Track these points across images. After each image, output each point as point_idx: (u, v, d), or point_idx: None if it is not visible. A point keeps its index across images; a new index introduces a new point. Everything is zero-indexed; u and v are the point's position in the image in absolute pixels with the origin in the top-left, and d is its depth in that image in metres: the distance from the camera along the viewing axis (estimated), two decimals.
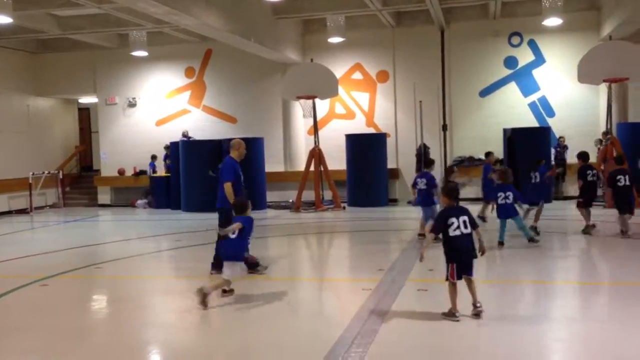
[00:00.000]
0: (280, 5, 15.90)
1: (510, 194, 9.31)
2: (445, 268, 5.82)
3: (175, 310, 6.61)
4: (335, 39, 16.97)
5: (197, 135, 18.71)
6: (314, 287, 7.80)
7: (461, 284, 5.78)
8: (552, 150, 16.15)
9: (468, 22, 17.31)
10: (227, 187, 7.85)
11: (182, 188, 16.99)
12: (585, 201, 10.48)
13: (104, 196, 19.59)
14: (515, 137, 15.92)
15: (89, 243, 11.62)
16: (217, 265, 7.73)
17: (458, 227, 5.76)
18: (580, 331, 5.61)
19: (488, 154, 13.16)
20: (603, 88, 15.17)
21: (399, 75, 17.95)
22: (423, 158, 15.02)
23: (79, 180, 21.20)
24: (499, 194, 9.40)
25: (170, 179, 17.72)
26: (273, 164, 18.11)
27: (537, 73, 17.09)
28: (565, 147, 16.32)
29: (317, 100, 16.53)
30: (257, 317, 6.19)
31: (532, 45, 17.08)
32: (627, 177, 9.98)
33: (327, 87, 16.23)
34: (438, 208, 9.76)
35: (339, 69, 17.89)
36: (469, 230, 5.80)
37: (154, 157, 19.06)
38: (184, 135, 18.58)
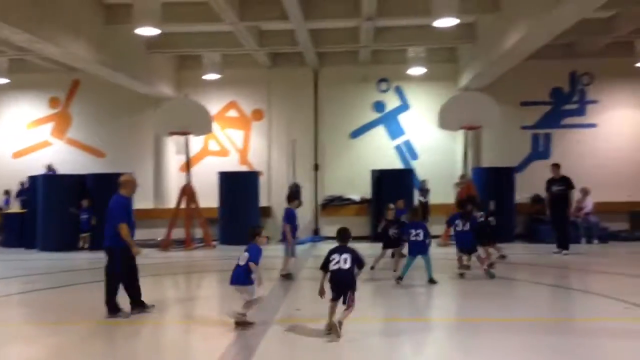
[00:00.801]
0: (154, 40, 15.66)
1: (420, 232, 9.58)
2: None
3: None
4: (210, 76, 16.98)
5: (60, 169, 17.73)
6: (180, 330, 7.58)
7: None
8: (416, 192, 17.07)
9: (340, 66, 18.07)
10: (123, 228, 7.65)
11: (39, 225, 15.88)
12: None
13: None
14: (382, 178, 16.68)
15: None
16: (112, 310, 7.64)
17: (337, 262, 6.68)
18: None
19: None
20: (460, 135, 16.37)
21: (273, 114, 18.25)
22: (287, 194, 15.30)
23: None
24: (410, 231, 9.66)
25: (25, 215, 16.52)
26: (142, 201, 17.46)
27: (402, 118, 18.12)
28: (427, 190, 17.30)
29: (190, 137, 16.34)
30: None
31: (399, 91, 18.13)
32: (466, 222, 10.23)
33: (201, 123, 16.11)
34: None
35: (214, 106, 17.87)
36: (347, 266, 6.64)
37: (6, 193, 17.77)
38: (49, 168, 17.52)
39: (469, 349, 6.36)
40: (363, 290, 9.61)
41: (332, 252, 6.81)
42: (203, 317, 7.91)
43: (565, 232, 13.40)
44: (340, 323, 6.47)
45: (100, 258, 13.94)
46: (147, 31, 12.13)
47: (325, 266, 6.74)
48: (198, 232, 16.30)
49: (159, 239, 16.55)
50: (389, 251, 11.10)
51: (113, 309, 7.71)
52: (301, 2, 12.71)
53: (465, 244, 10.20)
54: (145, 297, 8.16)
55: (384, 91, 18.22)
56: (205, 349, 6.58)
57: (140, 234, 16.57)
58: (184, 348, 6.84)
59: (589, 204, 15.72)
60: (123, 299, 7.94)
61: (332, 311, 6.61)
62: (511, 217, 16.03)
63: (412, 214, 10.39)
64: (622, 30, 14.61)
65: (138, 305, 7.92)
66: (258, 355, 5.98)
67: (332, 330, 6.49)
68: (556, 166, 13.76)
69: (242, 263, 7.31)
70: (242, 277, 7.19)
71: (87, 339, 6.88)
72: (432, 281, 9.58)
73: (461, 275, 10.24)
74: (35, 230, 15.92)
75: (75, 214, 15.70)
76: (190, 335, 7.41)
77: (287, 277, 10.38)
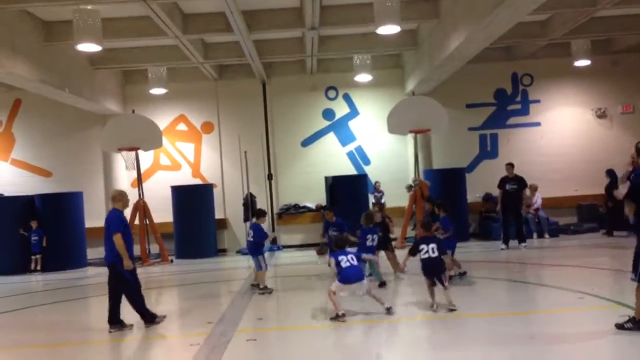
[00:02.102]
0: (97, 56, 15.38)
1: (375, 236, 9.90)
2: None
3: None
4: (157, 90, 16.80)
5: (6, 191, 17.19)
6: (140, 346, 7.48)
7: None
8: (370, 196, 17.28)
9: (288, 76, 18.13)
10: (118, 238, 7.77)
11: None
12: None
13: None
14: (336, 184, 16.81)
15: None
16: (114, 321, 7.80)
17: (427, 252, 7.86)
18: None
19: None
20: (410, 138, 16.67)
21: (223, 126, 18.17)
22: (251, 209, 15.25)
23: None
24: (367, 237, 9.83)
25: None
26: (94, 219, 17.09)
27: (352, 124, 18.32)
28: (381, 192, 17.56)
29: (140, 152, 16.12)
30: None
31: (347, 98, 18.33)
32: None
33: (151, 138, 15.88)
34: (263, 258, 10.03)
35: (163, 120, 17.68)
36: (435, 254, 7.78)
37: None
38: None
39: (439, 344, 6.51)
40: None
41: (419, 242, 7.98)
42: (165, 333, 7.81)
43: (520, 227, 14.20)
44: (450, 302, 7.69)
45: (53, 280, 13.71)
46: (89, 47, 11.89)
47: (414, 252, 7.96)
48: (154, 248, 16.05)
49: None
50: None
51: (150, 317, 8.01)
52: (244, 15, 12.74)
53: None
54: (104, 315, 8.03)
55: (333, 99, 18.39)
56: None
57: (94, 253, 16.49)
58: None
59: (537, 200, 16.27)
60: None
61: (432, 294, 7.85)
62: (464, 216, 16.41)
63: (367, 218, 10.10)
64: (558, 32, 15.19)
65: (115, 322, 7.88)
66: None
67: (437, 308, 7.69)
68: (510, 165, 14.48)
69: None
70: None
71: None
72: (382, 284, 9.82)
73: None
74: None
75: (25, 236, 15.27)
76: (153, 351, 7.33)
77: (265, 289, 9.99)
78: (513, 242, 14.05)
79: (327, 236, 11.19)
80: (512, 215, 14.17)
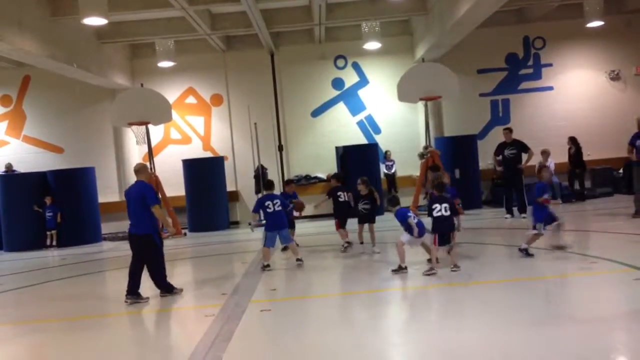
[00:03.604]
0: (104, 30, 15.32)
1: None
2: None
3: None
4: (165, 64, 16.72)
5: (19, 167, 17.33)
6: (156, 318, 7.57)
7: None
8: (381, 165, 17.23)
9: (296, 46, 17.96)
10: (157, 209, 7.97)
11: (3, 226, 15.56)
12: (340, 221, 10.87)
13: None
14: (347, 154, 16.76)
15: None
16: (133, 292, 7.91)
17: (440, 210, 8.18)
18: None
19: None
20: (421, 106, 16.52)
21: (232, 98, 18.09)
22: (261, 180, 15.26)
23: None
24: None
25: None
26: (107, 194, 17.32)
27: (362, 93, 18.17)
28: (392, 161, 17.48)
29: (150, 126, 16.11)
30: (102, 354, 5.90)
31: (356, 67, 18.15)
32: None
33: (160, 112, 15.84)
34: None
35: (172, 94, 17.63)
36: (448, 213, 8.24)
37: None
38: (8, 169, 17.11)
39: (457, 310, 6.53)
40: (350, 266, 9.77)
41: (433, 201, 8.32)
42: (179, 305, 7.90)
43: (521, 196, 13.47)
44: (454, 263, 8.17)
45: (69, 254, 13.87)
46: (95, 21, 11.83)
47: (430, 213, 8.28)
48: None
49: (127, 231, 16.36)
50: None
51: (169, 287, 8.14)
52: None
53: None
54: (120, 288, 8.14)
55: (342, 68, 18.21)
56: (185, 335, 6.61)
57: (109, 227, 16.64)
58: (163, 335, 6.85)
59: (551, 165, 16.05)
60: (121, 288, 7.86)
61: (433, 252, 8.25)
62: (477, 183, 16.33)
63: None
64: None
65: (134, 293, 7.98)
66: (237, 337, 6.01)
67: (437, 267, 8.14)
68: (509, 130, 13.95)
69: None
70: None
71: (68, 334, 6.81)
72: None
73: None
74: (0, 232, 15.60)
75: (39, 212, 15.42)
76: (169, 322, 7.42)
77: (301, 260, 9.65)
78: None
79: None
80: (512, 182, 13.46)
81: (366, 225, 10.65)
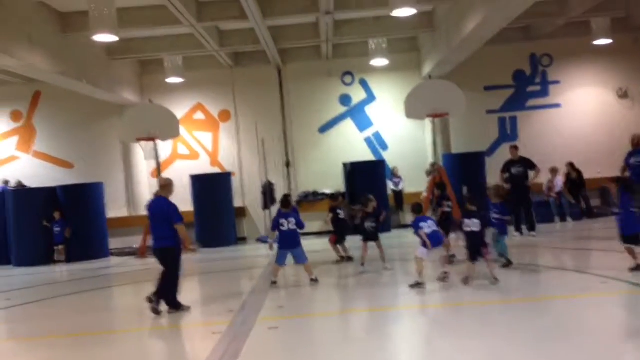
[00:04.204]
0: (114, 46, 15.46)
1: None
2: None
3: None
4: (173, 79, 16.86)
5: (29, 182, 17.43)
6: (164, 335, 7.56)
7: None
8: (389, 182, 17.22)
9: (303, 62, 18.07)
10: (182, 228, 8.11)
11: (12, 241, 15.60)
12: (338, 238, 11.30)
13: None
14: (354, 171, 16.77)
15: None
16: (176, 306, 8.07)
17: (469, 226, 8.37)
18: None
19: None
20: (428, 123, 16.53)
21: (240, 114, 18.19)
22: (270, 197, 15.30)
23: None
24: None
25: None
26: (115, 210, 17.39)
27: (369, 110, 18.22)
28: (400, 178, 17.47)
29: (158, 142, 16.18)
30: None
31: (364, 83, 18.22)
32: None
33: (168, 127, 15.89)
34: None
35: (180, 109, 17.74)
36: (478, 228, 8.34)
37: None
38: (18, 185, 17.21)
39: (453, 331, 6.49)
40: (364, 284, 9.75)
41: (464, 217, 8.43)
42: (187, 321, 7.88)
43: (529, 213, 13.35)
44: (493, 275, 8.23)
45: (77, 270, 13.89)
46: (105, 38, 11.94)
47: (461, 227, 8.46)
48: None
49: (135, 246, 16.41)
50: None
51: (177, 305, 8.13)
52: (259, 1, 12.67)
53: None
54: (130, 304, 8.14)
55: (349, 84, 18.29)
56: (192, 352, 6.60)
57: (116, 243, 16.66)
58: (171, 352, 6.83)
59: (559, 182, 16.02)
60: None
61: (472, 269, 8.29)
62: (485, 201, 16.21)
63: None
64: (577, 11, 14.91)
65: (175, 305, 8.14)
66: (244, 355, 5.99)
67: (468, 281, 8.26)
68: (515, 148, 13.90)
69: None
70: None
71: (76, 350, 6.80)
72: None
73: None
74: (9, 247, 15.65)
75: (48, 227, 15.47)
76: (176, 340, 7.40)
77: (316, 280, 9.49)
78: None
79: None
80: (520, 200, 13.08)
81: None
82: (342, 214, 11.41)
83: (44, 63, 12.88)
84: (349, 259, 11.38)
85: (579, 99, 17.94)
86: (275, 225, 9.47)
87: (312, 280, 9.40)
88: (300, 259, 9.49)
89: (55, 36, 13.47)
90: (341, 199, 11.81)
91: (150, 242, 8.84)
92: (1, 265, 15.70)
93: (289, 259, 9.50)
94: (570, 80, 17.93)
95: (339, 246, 11.57)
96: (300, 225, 9.43)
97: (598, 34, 16.19)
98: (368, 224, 10.45)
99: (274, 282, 9.48)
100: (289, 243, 9.38)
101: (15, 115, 18.26)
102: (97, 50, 15.56)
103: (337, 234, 11.53)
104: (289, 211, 9.61)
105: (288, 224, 9.34)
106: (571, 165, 16.32)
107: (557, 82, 17.97)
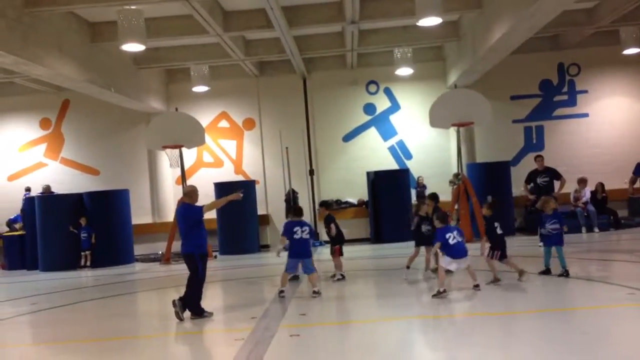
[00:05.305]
0: (142, 56, 15.70)
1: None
2: None
3: None
4: (199, 88, 17.03)
5: (57, 189, 17.75)
6: (186, 341, 7.59)
7: None
8: (413, 191, 17.14)
9: (328, 71, 18.12)
10: (210, 205, 8.85)
11: (39, 246, 15.87)
12: (341, 249, 10.84)
13: None
14: (378, 180, 16.72)
15: None
16: (199, 312, 8.18)
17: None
18: None
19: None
20: (452, 132, 16.44)
21: (265, 122, 18.29)
22: (293, 205, 15.25)
23: None
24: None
25: (25, 237, 16.51)
26: (140, 216, 17.59)
27: (394, 118, 18.18)
28: (424, 187, 17.37)
29: (184, 150, 16.35)
30: None
31: (388, 92, 18.20)
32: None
33: (194, 135, 16.09)
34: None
35: (205, 118, 17.90)
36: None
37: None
38: (46, 190, 17.52)
39: (489, 341, 6.41)
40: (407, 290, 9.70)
41: (494, 219, 9.11)
42: (209, 328, 7.91)
43: None
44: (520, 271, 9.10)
45: (103, 275, 14.07)
46: (133, 47, 12.14)
47: (490, 232, 9.07)
48: None
49: (159, 253, 16.57)
50: (422, 248, 10.38)
51: (199, 311, 8.22)
52: (284, 10, 12.77)
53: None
54: (154, 310, 8.21)
55: (374, 93, 18.28)
56: (214, 358, 6.61)
57: (141, 249, 16.85)
58: (193, 359, 6.86)
59: (587, 193, 15.78)
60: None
61: (494, 267, 9.03)
62: (510, 210, 16.08)
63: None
64: (605, 20, 14.73)
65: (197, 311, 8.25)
66: None
67: (522, 275, 9.11)
68: (540, 158, 13.83)
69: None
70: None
71: (100, 355, 6.87)
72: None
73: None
74: (36, 252, 15.91)
75: (74, 233, 15.70)
76: (199, 346, 7.43)
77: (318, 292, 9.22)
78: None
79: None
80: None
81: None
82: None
83: (73, 72, 13.13)
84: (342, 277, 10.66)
85: (607, 109, 17.68)
86: (286, 232, 9.31)
87: (314, 292, 9.12)
88: (309, 269, 9.30)
89: (84, 45, 13.73)
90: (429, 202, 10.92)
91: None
92: (29, 270, 16.00)
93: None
94: (598, 89, 17.69)
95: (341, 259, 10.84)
96: (312, 234, 9.59)
97: (627, 43, 15.95)
98: (425, 227, 10.10)
99: (282, 292, 9.20)
100: (300, 252, 9.22)
101: (44, 123, 18.61)
102: (124, 59, 15.81)
103: (341, 245, 10.83)
104: (302, 219, 9.45)
105: (302, 233, 9.18)
106: (602, 185, 16.11)
107: (584, 92, 17.74)
